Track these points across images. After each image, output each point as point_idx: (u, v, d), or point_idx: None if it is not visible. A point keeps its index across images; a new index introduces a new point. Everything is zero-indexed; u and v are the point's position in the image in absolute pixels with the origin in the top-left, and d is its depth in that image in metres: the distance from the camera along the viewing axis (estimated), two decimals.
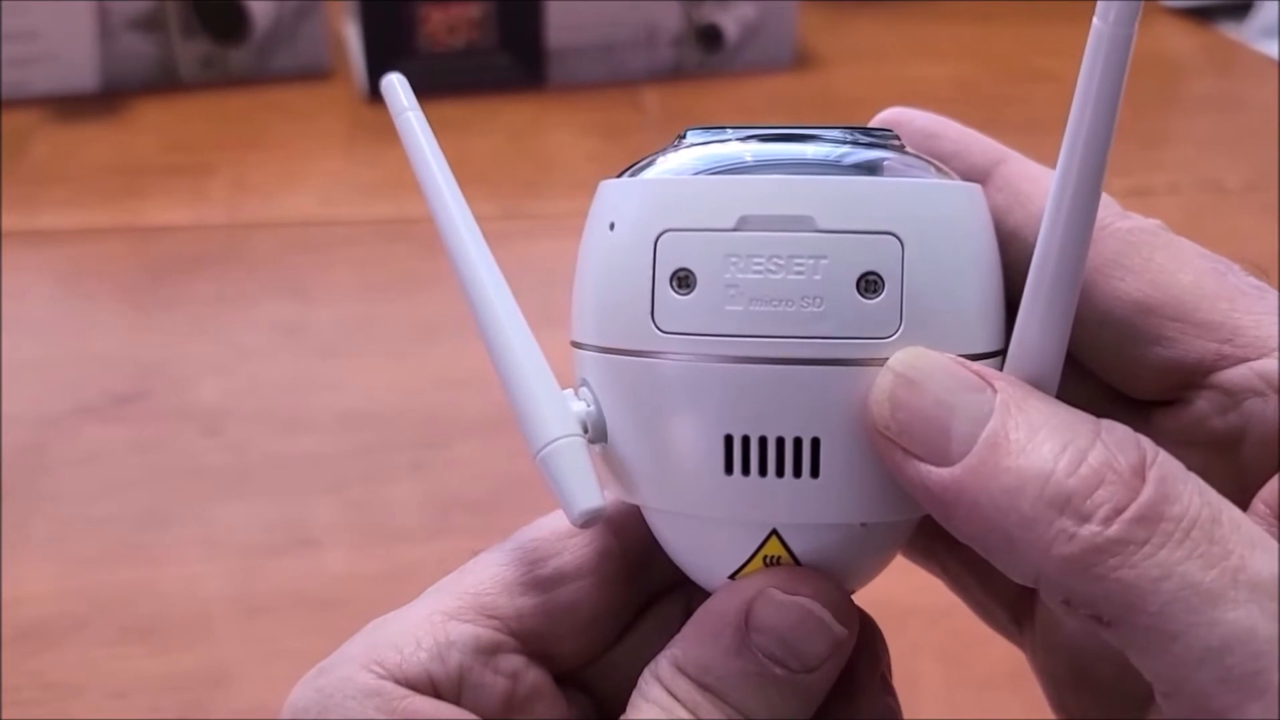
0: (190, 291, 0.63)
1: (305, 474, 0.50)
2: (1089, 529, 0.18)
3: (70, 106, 0.83)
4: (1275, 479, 0.20)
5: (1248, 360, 0.21)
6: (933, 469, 0.19)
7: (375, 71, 0.83)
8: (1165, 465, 0.18)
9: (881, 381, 0.20)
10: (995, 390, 0.19)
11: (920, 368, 0.19)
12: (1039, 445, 0.18)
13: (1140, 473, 0.18)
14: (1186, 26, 1.00)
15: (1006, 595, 0.25)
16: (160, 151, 0.79)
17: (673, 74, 0.89)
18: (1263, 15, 0.96)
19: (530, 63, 0.87)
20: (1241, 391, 0.21)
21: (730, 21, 0.89)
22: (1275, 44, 0.93)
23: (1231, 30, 0.98)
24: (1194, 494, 0.18)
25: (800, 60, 0.92)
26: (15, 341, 0.58)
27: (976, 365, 0.20)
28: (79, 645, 0.42)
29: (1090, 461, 0.18)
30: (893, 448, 0.19)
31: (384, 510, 0.48)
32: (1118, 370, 0.22)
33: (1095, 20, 0.18)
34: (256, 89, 0.87)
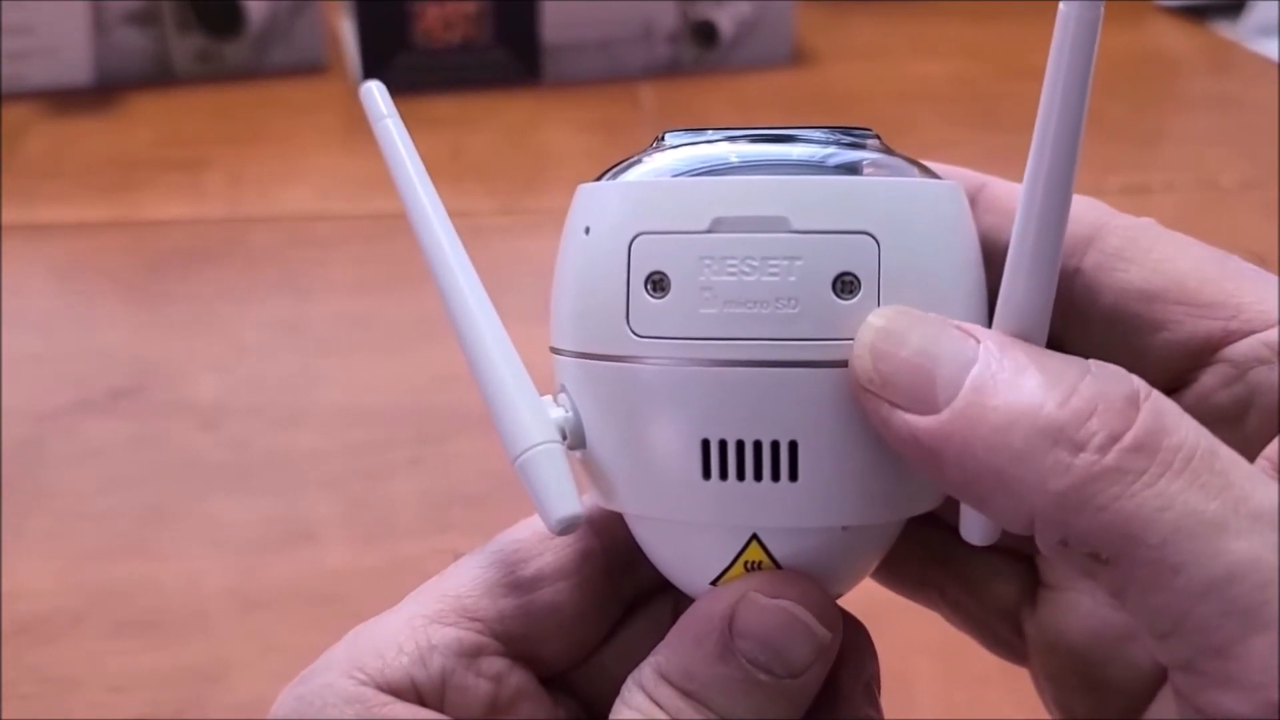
0: (188, 286, 0.63)
1: (304, 469, 0.50)
2: (1085, 458, 0.17)
3: (66, 101, 0.83)
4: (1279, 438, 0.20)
5: (1253, 333, 0.21)
6: (919, 418, 0.19)
7: (371, 67, 0.83)
8: (1160, 400, 0.18)
9: (862, 336, 0.19)
10: (979, 339, 0.19)
11: (900, 320, 0.19)
12: (1026, 382, 0.18)
13: (1134, 403, 0.18)
14: (1180, 25, 1.00)
15: (1005, 602, 0.25)
16: (156, 146, 0.79)
17: (669, 70, 0.89)
18: (1257, 14, 0.96)
19: (527, 59, 0.87)
20: (1247, 361, 0.21)
21: (725, 18, 0.89)
22: (1269, 42, 0.93)
23: (1225, 29, 0.98)
24: (1190, 427, 0.18)
25: (798, 57, 0.92)
26: (13, 336, 0.58)
27: (957, 320, 0.20)
28: (77, 640, 0.42)
29: (1081, 392, 0.18)
30: (878, 402, 0.19)
31: (382, 506, 0.48)
32: (1126, 364, 0.22)
33: None
34: (252, 84, 0.87)
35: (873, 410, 0.19)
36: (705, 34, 0.90)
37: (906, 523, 0.23)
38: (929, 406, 0.19)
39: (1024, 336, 0.20)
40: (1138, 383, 0.18)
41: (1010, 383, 0.18)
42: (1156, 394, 0.18)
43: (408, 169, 0.23)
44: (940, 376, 0.19)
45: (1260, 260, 0.22)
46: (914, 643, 0.40)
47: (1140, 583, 0.17)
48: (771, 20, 0.90)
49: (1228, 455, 0.18)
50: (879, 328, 0.19)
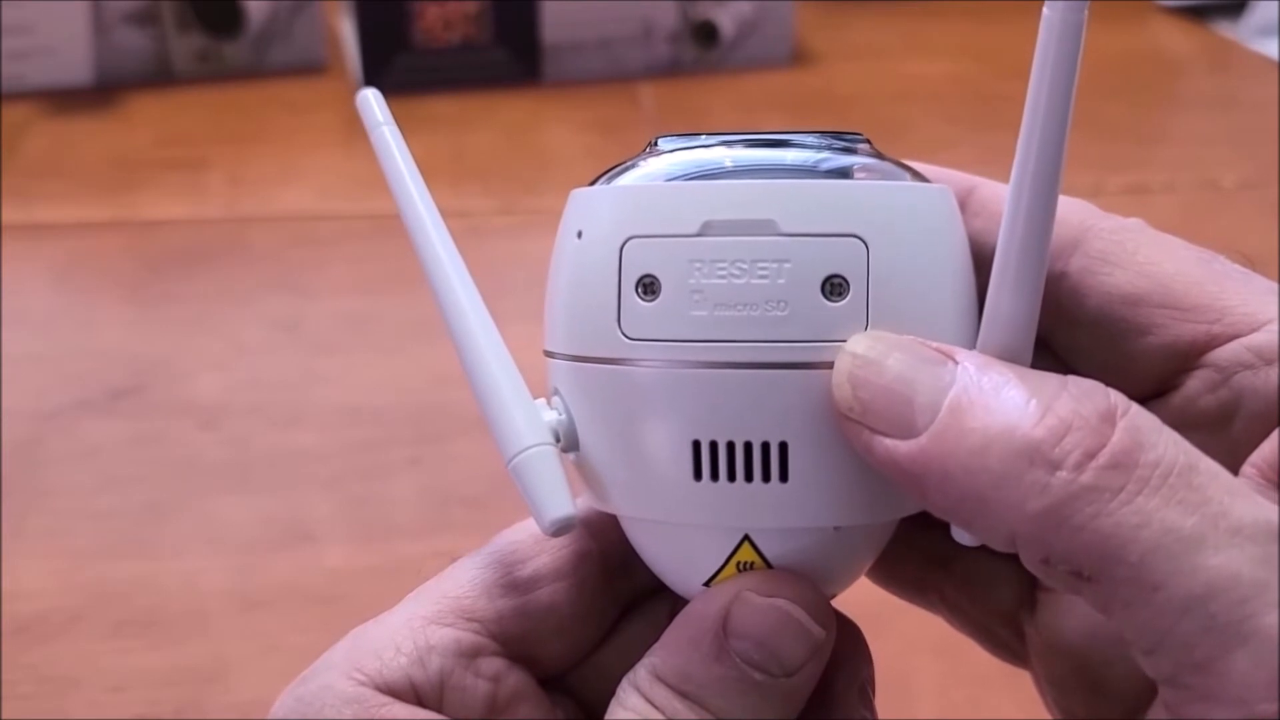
0: (188, 286, 0.63)
1: (303, 469, 0.50)
2: (1061, 476, 0.17)
3: (65, 100, 0.83)
4: (1265, 443, 0.20)
5: (1238, 337, 0.21)
6: (900, 443, 0.19)
7: (371, 66, 0.83)
8: (1137, 416, 0.18)
9: (840, 364, 0.20)
10: (956, 361, 0.19)
11: (878, 347, 0.19)
12: (1003, 403, 0.18)
13: (1110, 420, 0.18)
14: (1181, 25, 1.00)
15: (1005, 605, 0.25)
16: (156, 146, 0.79)
17: (669, 70, 0.89)
18: (1257, 14, 0.96)
19: (526, 59, 0.87)
20: (1232, 366, 0.21)
21: (726, 18, 0.90)
22: (1269, 42, 0.93)
23: (1226, 29, 0.98)
24: (1169, 443, 0.18)
25: (798, 57, 0.92)
26: (12, 336, 0.58)
27: (935, 342, 0.20)
28: (76, 639, 0.42)
29: (1056, 410, 0.18)
30: (858, 429, 0.19)
31: (382, 505, 0.48)
32: (1112, 367, 0.22)
33: None
34: (252, 84, 0.87)
35: (854, 437, 0.19)
36: (705, 34, 0.90)
37: (905, 526, 0.23)
38: (908, 431, 0.19)
39: (1008, 349, 0.20)
40: (1115, 398, 0.18)
41: (987, 404, 0.18)
42: (1135, 409, 0.18)
43: (404, 176, 0.23)
44: (918, 401, 0.19)
45: (1251, 261, 0.22)
46: (914, 642, 0.40)
47: (1122, 599, 0.17)
48: (771, 20, 0.90)
49: (1207, 469, 0.18)
50: (857, 354, 0.19)
